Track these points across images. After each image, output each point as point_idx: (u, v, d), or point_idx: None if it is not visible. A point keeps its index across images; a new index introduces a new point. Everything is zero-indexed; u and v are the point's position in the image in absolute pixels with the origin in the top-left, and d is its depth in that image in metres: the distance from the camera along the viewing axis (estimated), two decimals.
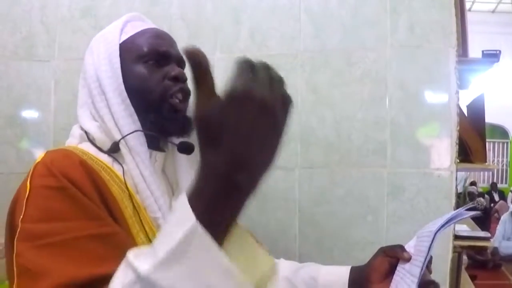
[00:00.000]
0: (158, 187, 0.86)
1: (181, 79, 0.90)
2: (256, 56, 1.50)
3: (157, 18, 1.50)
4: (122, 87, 0.86)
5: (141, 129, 0.86)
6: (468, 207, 0.84)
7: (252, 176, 0.51)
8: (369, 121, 1.39)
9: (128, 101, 0.86)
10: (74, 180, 0.73)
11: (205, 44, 1.49)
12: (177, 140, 0.90)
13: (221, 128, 0.49)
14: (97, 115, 0.88)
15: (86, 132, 0.89)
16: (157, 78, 0.88)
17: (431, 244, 0.78)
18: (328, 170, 1.41)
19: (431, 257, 0.87)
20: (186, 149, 0.89)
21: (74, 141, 0.91)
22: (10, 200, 0.77)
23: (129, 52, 0.89)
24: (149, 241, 0.80)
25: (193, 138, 0.90)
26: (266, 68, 0.53)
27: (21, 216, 0.70)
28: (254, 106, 0.49)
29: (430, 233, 0.80)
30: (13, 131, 1.54)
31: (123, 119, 0.85)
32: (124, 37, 0.91)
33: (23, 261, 0.66)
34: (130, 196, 0.82)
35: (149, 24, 0.96)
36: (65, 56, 1.55)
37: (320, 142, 1.41)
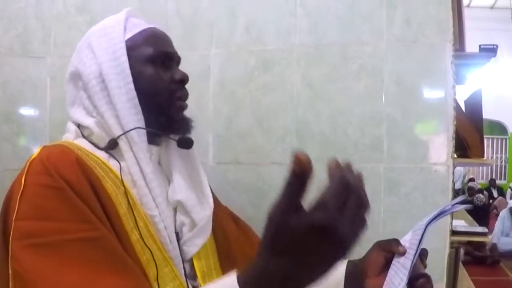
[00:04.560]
0: (158, 184, 0.88)
1: (186, 81, 0.94)
2: (251, 51, 1.51)
3: (153, 14, 1.50)
4: (132, 86, 0.87)
5: (144, 126, 0.88)
6: (460, 200, 0.84)
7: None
8: (365, 116, 1.38)
9: (136, 100, 0.87)
10: (69, 179, 0.74)
11: (201, 39, 1.49)
12: (175, 136, 0.93)
13: (293, 243, 0.54)
14: (95, 112, 0.88)
15: (80, 128, 0.90)
16: (165, 81, 0.91)
17: (422, 237, 0.78)
18: (324, 165, 1.39)
19: (426, 251, 0.87)
20: (186, 144, 0.93)
21: (70, 136, 0.91)
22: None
23: (135, 51, 0.90)
24: (142, 238, 0.82)
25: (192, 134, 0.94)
26: (358, 196, 0.56)
27: (15, 214, 0.71)
28: (331, 242, 0.53)
29: (422, 226, 0.80)
30: (9, 127, 1.54)
31: (129, 116, 0.86)
32: (128, 35, 0.91)
33: (17, 265, 0.67)
34: (126, 193, 0.82)
35: (148, 23, 0.97)
36: (61, 53, 1.55)
37: (316, 137, 1.41)
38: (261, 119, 1.44)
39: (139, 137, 0.86)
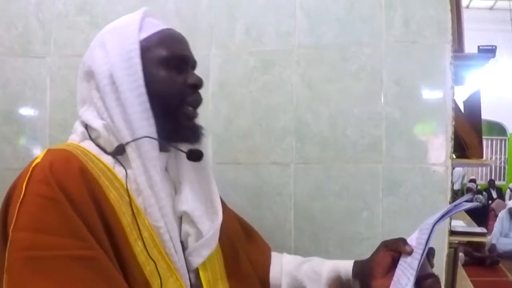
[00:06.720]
0: (166, 194, 0.85)
1: (200, 86, 0.90)
2: (251, 51, 1.51)
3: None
4: (143, 89, 0.83)
5: (155, 133, 0.84)
6: (466, 199, 0.84)
7: None
8: (365, 116, 1.39)
9: (147, 104, 0.83)
10: (69, 192, 0.72)
11: (200, 40, 1.49)
12: (185, 147, 0.89)
13: None
14: (105, 114, 0.84)
15: (87, 129, 0.88)
16: (178, 84, 0.87)
17: (429, 237, 0.78)
18: (323, 165, 1.41)
19: (434, 250, 0.87)
20: (195, 157, 0.88)
21: (76, 138, 0.89)
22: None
23: (149, 52, 0.86)
24: (146, 248, 0.80)
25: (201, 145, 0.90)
26: None
27: (13, 224, 0.70)
28: None
29: (429, 225, 0.79)
30: (9, 127, 1.54)
31: (139, 122, 0.82)
32: (143, 35, 0.88)
33: (10, 277, 0.68)
34: (130, 203, 0.80)
35: (164, 24, 0.93)
36: (61, 53, 1.55)
37: (316, 137, 1.41)
38: (261, 120, 1.45)
39: (150, 144, 0.83)
